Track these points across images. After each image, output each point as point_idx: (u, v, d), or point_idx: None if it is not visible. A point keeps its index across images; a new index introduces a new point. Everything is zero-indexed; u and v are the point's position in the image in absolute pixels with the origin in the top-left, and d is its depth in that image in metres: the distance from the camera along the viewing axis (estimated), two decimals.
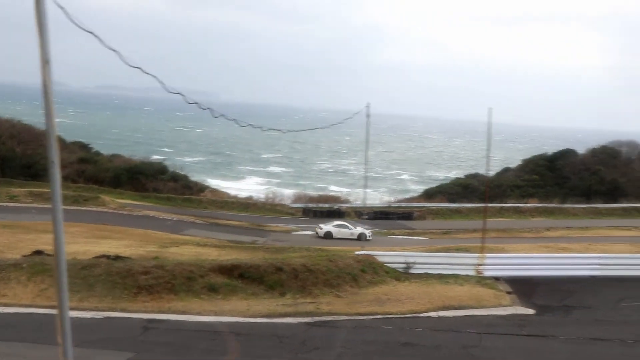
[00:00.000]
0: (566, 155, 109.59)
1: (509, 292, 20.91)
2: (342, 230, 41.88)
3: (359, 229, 42.17)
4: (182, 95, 11.74)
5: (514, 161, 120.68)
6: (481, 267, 23.63)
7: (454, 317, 17.67)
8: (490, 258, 24.33)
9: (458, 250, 27.74)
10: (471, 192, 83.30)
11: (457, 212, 65.66)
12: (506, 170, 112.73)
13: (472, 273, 23.37)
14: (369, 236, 41.07)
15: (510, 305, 19.36)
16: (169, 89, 10.13)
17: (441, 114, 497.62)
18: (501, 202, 75.91)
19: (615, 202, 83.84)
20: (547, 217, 67.52)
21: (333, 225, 42.82)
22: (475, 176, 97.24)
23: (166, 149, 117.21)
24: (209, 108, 15.67)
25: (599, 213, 73.03)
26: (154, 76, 8.88)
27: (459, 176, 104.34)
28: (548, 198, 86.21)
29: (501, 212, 67.58)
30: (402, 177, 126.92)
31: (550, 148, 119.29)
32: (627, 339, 15.63)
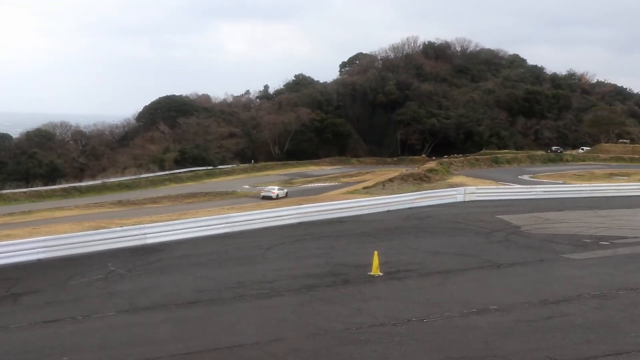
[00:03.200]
0: (0, 139, 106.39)
1: None
2: (281, 192, 69.01)
3: (285, 190, 71.46)
4: None
5: None
6: None
7: None
8: None
9: None
10: None
11: None
12: None
13: None
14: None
15: None
16: None
17: None
18: None
19: (54, 183, 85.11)
20: None
21: (277, 189, 69.30)
22: None
23: None
24: None
25: (40, 196, 73.20)
26: None
27: None
28: None
29: None
30: None
31: None
32: (78, 316, 15.98)
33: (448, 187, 46.00)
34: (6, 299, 18.66)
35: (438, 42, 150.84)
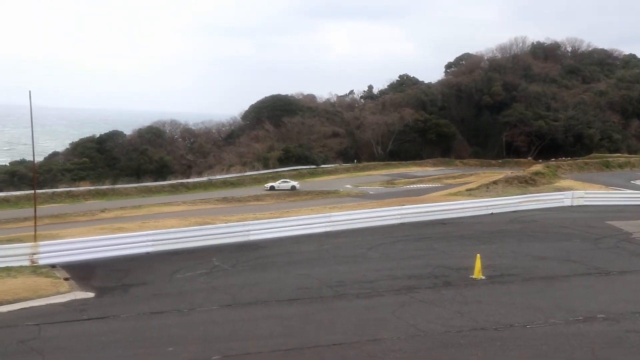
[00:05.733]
0: (114, 136, 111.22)
1: (66, 279, 20.37)
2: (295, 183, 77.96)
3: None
4: None
5: (63, 145, 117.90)
6: (36, 256, 22.58)
7: (8, 312, 16.53)
8: (45, 246, 23.41)
9: (10, 241, 26.03)
10: (20, 179, 79.25)
11: (6, 202, 61.95)
12: (55, 154, 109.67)
13: (26, 263, 22.20)
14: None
15: (68, 292, 18.87)
16: None
17: None
18: (52, 187, 73.77)
19: (163, 179, 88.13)
20: (100, 199, 67.61)
21: (294, 182, 78.03)
22: (22, 162, 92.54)
23: None
24: None
25: (149, 191, 75.96)
26: None
27: (4, 163, 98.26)
28: (100, 180, 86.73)
29: (53, 197, 65.59)
30: None
31: (98, 130, 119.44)
32: (183, 309, 16.52)
33: (555, 191, 44.58)
34: (117, 289, 19.52)
35: (547, 42, 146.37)
